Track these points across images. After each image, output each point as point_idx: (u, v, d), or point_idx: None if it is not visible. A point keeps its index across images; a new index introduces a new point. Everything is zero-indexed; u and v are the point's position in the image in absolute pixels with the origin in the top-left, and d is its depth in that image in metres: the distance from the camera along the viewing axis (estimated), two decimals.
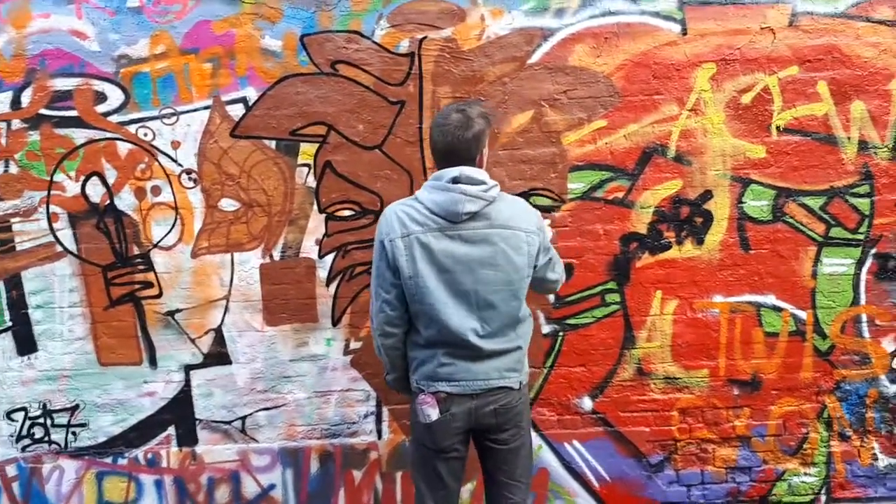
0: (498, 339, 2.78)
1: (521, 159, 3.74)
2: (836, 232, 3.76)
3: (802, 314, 3.81)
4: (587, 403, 3.90)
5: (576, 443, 3.91)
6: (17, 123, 3.72)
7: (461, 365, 2.77)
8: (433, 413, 2.78)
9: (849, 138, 3.71)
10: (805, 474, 3.90)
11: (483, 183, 2.73)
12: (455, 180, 2.70)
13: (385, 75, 3.72)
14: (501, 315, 2.76)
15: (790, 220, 3.76)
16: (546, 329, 3.85)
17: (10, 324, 3.82)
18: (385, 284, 2.80)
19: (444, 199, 2.70)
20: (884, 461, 3.88)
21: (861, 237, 3.76)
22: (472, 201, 2.69)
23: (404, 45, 3.71)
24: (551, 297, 3.81)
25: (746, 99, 3.70)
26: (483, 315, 2.74)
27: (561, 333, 3.85)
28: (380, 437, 3.90)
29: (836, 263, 3.78)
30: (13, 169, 3.74)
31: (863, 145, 3.71)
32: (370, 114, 3.74)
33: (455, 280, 2.71)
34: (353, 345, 3.85)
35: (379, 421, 3.89)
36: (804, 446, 3.89)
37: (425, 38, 3.70)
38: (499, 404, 2.82)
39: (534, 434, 3.82)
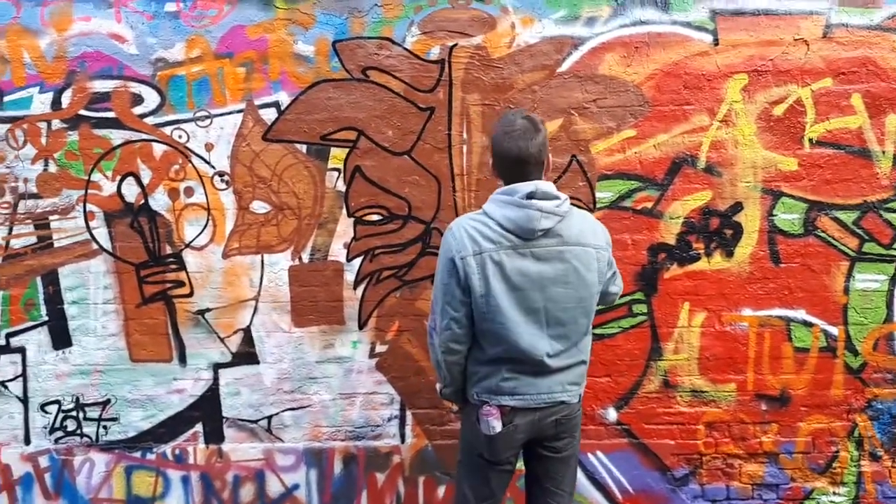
0: (564, 355, 2.85)
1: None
2: (869, 247, 3.87)
3: (834, 330, 3.93)
4: (612, 414, 4.07)
5: (600, 454, 4.08)
6: (57, 123, 4.00)
7: (525, 380, 2.84)
8: (497, 425, 2.85)
9: (883, 152, 3.83)
10: (834, 493, 4.02)
11: (557, 198, 2.77)
12: (530, 196, 2.73)
13: (415, 82, 3.93)
14: (570, 332, 2.83)
15: (822, 235, 3.88)
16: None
17: (46, 318, 4.09)
18: (454, 302, 2.83)
19: (518, 216, 2.73)
20: None
21: (895, 253, 3.91)
22: (547, 217, 2.73)
23: (435, 52, 3.92)
24: None
25: (778, 111, 3.84)
26: (552, 332, 2.80)
27: None
28: (403, 440, 4.10)
29: (870, 279, 3.90)
30: (52, 168, 4.02)
31: None
32: (400, 120, 3.95)
33: (526, 297, 2.77)
34: (379, 348, 4.07)
35: (403, 425, 4.10)
36: (833, 465, 4.00)
37: (456, 45, 3.89)
38: (560, 415, 2.91)
39: None
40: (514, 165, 2.81)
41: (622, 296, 3.95)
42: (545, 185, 2.78)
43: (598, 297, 2.93)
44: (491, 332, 2.82)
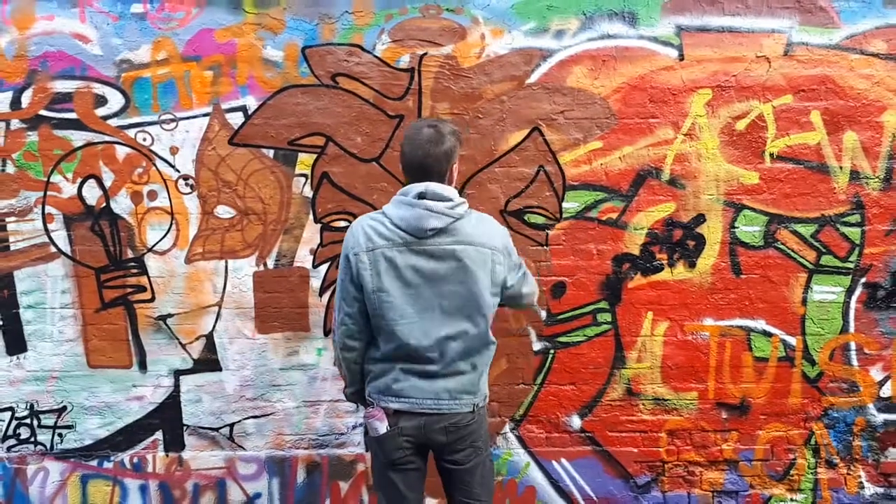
0: (456, 359, 2.94)
1: (516, 177, 4.07)
2: (826, 260, 4.10)
3: (792, 340, 4.15)
4: (576, 422, 4.23)
5: (564, 461, 4.24)
6: (16, 123, 4.04)
7: (413, 381, 2.94)
8: (381, 427, 2.96)
9: (841, 168, 4.06)
10: (791, 500, 4.23)
11: (449, 200, 2.90)
12: (421, 196, 2.88)
13: (385, 89, 4.07)
14: (463, 333, 2.93)
15: (782, 247, 4.10)
16: (537, 346, 4.17)
17: (0, 323, 4.14)
18: (348, 298, 2.98)
19: (409, 215, 2.87)
20: (870, 490, 4.21)
21: (851, 266, 4.10)
22: (437, 217, 2.86)
23: (405, 61, 4.06)
24: (543, 314, 4.15)
25: (741, 125, 4.05)
26: (445, 331, 2.90)
27: (552, 351, 4.17)
28: (367, 448, 4.18)
29: (826, 291, 4.13)
30: (10, 168, 4.06)
31: (854, 175, 4.05)
32: (369, 127, 4.07)
33: (420, 295, 2.89)
34: None
35: (367, 433, 4.26)
36: (791, 472, 4.22)
37: (426, 54, 4.04)
38: (449, 422, 2.97)
39: (522, 451, 4.21)
40: (411, 172, 2.99)
41: (587, 304, 4.16)
42: (437, 187, 2.91)
43: (495, 299, 3.02)
44: (382, 329, 2.95)
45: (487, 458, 3.17)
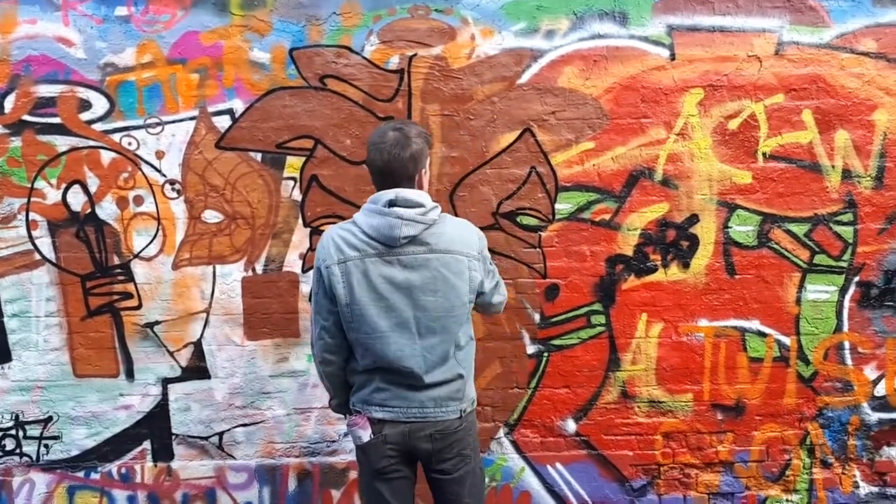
0: (438, 369, 2.97)
1: (508, 178, 4.20)
2: (820, 259, 4.26)
3: (786, 340, 4.30)
4: (571, 426, 4.36)
5: (559, 465, 4.37)
6: None
7: (396, 391, 2.97)
8: (364, 435, 3.00)
9: (833, 166, 4.22)
10: (787, 501, 4.37)
11: (421, 206, 2.88)
12: (391, 203, 2.86)
13: (374, 91, 4.18)
14: (443, 342, 2.96)
15: (775, 246, 4.25)
16: (531, 350, 4.30)
17: None
18: (323, 311, 2.99)
19: (380, 224, 2.86)
20: (865, 489, 4.37)
21: (844, 265, 4.26)
22: (409, 225, 2.85)
23: (394, 62, 4.17)
24: (536, 317, 4.27)
25: (733, 125, 4.20)
26: (424, 343, 2.93)
27: (545, 354, 4.30)
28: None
29: (820, 290, 4.28)
30: None
31: (846, 174, 4.21)
32: (358, 129, 4.19)
33: (394, 307, 2.90)
34: None
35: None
36: (786, 473, 4.37)
37: (415, 55, 4.16)
38: (435, 430, 3.00)
39: (516, 456, 4.34)
40: (379, 178, 2.98)
41: (580, 306, 4.29)
42: (408, 193, 2.90)
43: (470, 305, 3.06)
44: (358, 343, 2.96)
45: (477, 467, 3.18)
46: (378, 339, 2.91)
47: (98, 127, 4.20)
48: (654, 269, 4.30)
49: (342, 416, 4.11)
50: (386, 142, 2.94)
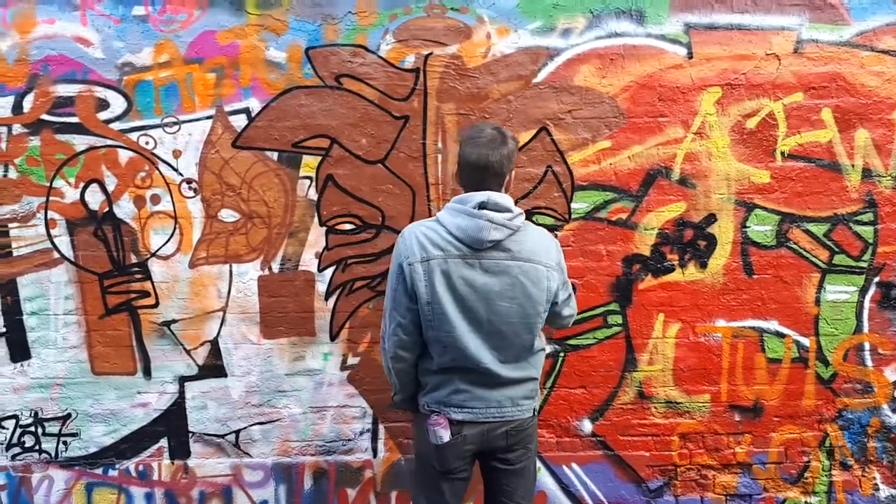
0: (514, 366, 3.05)
1: (524, 177, 4.21)
2: (839, 259, 4.24)
3: (805, 341, 4.29)
4: (587, 426, 4.39)
5: (574, 466, 4.39)
6: (17, 128, 4.19)
7: (475, 392, 3.03)
8: (445, 435, 3.04)
9: (853, 166, 4.21)
10: (806, 503, 4.41)
11: (509, 210, 2.95)
12: (482, 206, 2.92)
13: (389, 90, 4.21)
14: (514, 347, 3.03)
15: (794, 246, 4.25)
16: (547, 349, 4.29)
17: (3, 330, 4.28)
18: (400, 308, 3.03)
19: (468, 225, 2.92)
20: (885, 491, 4.36)
21: (864, 265, 4.24)
22: (497, 229, 2.91)
23: (409, 61, 4.20)
24: None
25: (751, 124, 4.20)
26: (493, 344, 2.99)
27: (562, 354, 4.32)
28: (375, 455, 4.37)
29: (840, 291, 4.27)
30: (12, 174, 4.21)
31: (867, 173, 4.20)
32: (374, 128, 4.22)
33: (470, 309, 2.96)
34: (351, 360, 4.32)
35: (375, 439, 4.36)
36: (805, 475, 4.37)
37: (431, 54, 4.19)
38: (511, 427, 3.10)
39: None
40: (473, 172, 3.02)
41: (597, 306, 4.30)
42: (498, 197, 2.96)
43: (544, 315, 3.11)
44: (437, 341, 3.01)
45: (534, 462, 3.30)
46: (458, 338, 2.97)
47: (116, 126, 4.25)
48: (671, 269, 4.30)
49: (360, 411, 4.32)
50: (483, 136, 3.01)
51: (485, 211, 2.92)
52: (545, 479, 4.41)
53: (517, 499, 3.23)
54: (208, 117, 4.26)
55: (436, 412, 3.09)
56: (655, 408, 4.37)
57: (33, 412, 4.36)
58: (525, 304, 3.00)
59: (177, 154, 4.27)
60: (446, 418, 3.06)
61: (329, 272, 4.31)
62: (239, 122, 4.26)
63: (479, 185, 3.01)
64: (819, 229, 4.26)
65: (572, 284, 4.19)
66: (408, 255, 3.00)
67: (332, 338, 4.34)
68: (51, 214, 4.27)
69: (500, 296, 2.97)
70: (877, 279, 4.29)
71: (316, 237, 4.30)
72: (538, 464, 4.34)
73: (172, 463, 4.39)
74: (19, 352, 4.34)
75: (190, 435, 4.39)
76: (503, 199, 2.98)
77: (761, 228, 4.27)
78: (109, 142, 4.25)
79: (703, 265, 4.30)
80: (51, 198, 4.27)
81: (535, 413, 3.22)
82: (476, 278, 2.96)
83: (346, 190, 4.28)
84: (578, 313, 4.23)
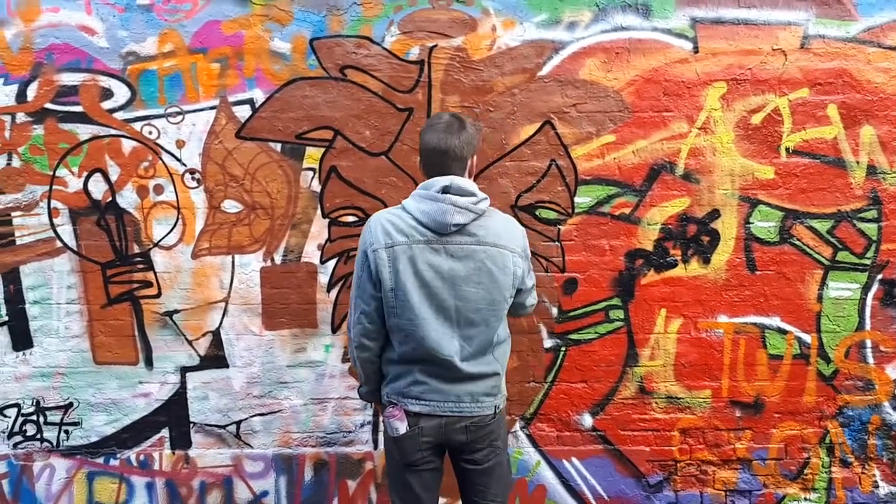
0: (476, 360, 3.04)
1: (528, 171, 4.22)
2: (842, 256, 4.24)
3: (807, 337, 4.30)
4: (587, 420, 4.40)
5: (575, 460, 4.41)
6: (21, 117, 4.20)
7: (434, 384, 3.03)
8: (401, 427, 3.05)
9: (857, 162, 4.21)
10: (805, 500, 4.39)
11: (473, 195, 2.96)
12: (445, 190, 2.94)
13: (394, 82, 4.21)
14: (481, 334, 3.02)
15: (797, 243, 4.25)
16: (548, 343, 4.33)
17: (6, 318, 4.30)
18: (364, 296, 3.05)
19: (432, 209, 2.94)
20: (885, 489, 4.37)
21: (868, 262, 4.25)
22: (461, 213, 2.92)
23: (414, 53, 4.20)
24: (554, 311, 4.30)
25: (756, 119, 4.20)
26: (463, 333, 3.00)
27: (563, 348, 4.33)
28: (376, 446, 4.37)
29: (842, 288, 4.27)
30: (16, 162, 4.22)
31: (871, 170, 4.20)
32: (377, 120, 4.23)
33: (436, 295, 2.96)
34: None
35: (375, 431, 4.37)
36: (805, 471, 4.38)
37: (435, 46, 4.18)
38: (470, 422, 3.08)
39: (532, 450, 4.36)
40: (432, 156, 3.03)
41: (599, 300, 4.31)
42: (461, 181, 2.97)
43: (510, 301, 3.11)
44: (399, 329, 3.01)
45: (505, 460, 3.28)
46: (420, 325, 2.97)
47: (119, 116, 4.25)
48: (673, 265, 4.31)
49: (363, 403, 4.31)
50: (441, 122, 3.06)
51: (448, 195, 2.94)
52: (545, 472, 4.42)
53: (490, 497, 3.21)
54: (212, 108, 4.26)
55: (393, 404, 3.10)
56: (656, 403, 4.39)
57: (35, 401, 4.38)
58: (491, 289, 3.01)
59: (180, 144, 4.27)
60: (403, 410, 3.06)
61: (331, 264, 4.32)
62: (243, 112, 4.26)
63: (441, 170, 3.02)
64: (823, 226, 4.27)
65: (573, 279, 4.28)
66: (372, 242, 3.00)
67: (334, 330, 4.35)
68: (54, 203, 4.28)
69: (467, 280, 2.97)
70: (880, 276, 4.29)
71: (319, 229, 4.31)
72: (538, 458, 4.39)
73: (173, 453, 4.41)
74: (21, 341, 4.35)
75: (191, 425, 4.40)
76: (466, 183, 3.00)
77: (765, 224, 4.27)
78: (113, 131, 4.26)
79: (706, 261, 4.30)
80: (54, 187, 4.28)
81: (498, 411, 3.18)
82: (441, 263, 2.96)
83: (350, 182, 4.28)
84: (581, 307, 4.31)
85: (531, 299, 3.32)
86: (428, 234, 2.96)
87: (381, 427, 4.27)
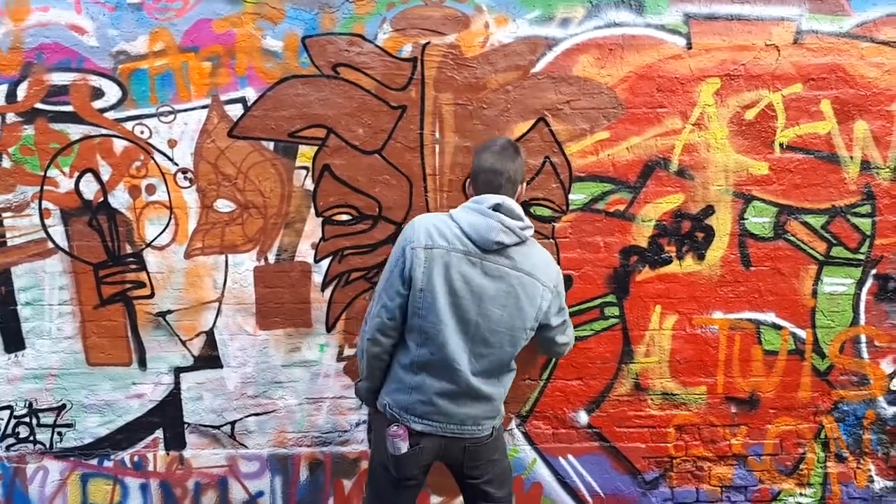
0: (484, 379, 3.11)
1: None
2: (836, 251, 4.25)
3: (802, 333, 4.31)
4: (583, 417, 4.39)
5: (570, 457, 4.41)
6: (11, 117, 4.16)
7: (439, 405, 3.08)
8: (403, 446, 3.09)
9: (851, 158, 4.21)
10: (801, 495, 4.41)
11: (521, 219, 3.08)
12: (496, 208, 3.03)
13: (387, 80, 4.20)
14: (493, 356, 3.08)
15: (791, 238, 4.25)
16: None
17: None
18: (390, 291, 3.10)
19: (479, 223, 3.01)
20: (880, 483, 4.39)
21: (862, 257, 4.25)
22: (506, 233, 3.01)
23: (407, 50, 4.18)
24: None
25: (750, 115, 4.19)
26: (475, 350, 3.05)
27: None
28: (371, 446, 4.39)
29: (837, 283, 4.28)
30: (6, 163, 4.18)
31: (865, 165, 4.20)
32: (371, 118, 4.21)
33: (461, 306, 3.01)
34: (347, 351, 4.31)
35: (371, 430, 4.35)
36: (800, 467, 4.39)
37: (428, 43, 4.17)
38: (469, 442, 3.17)
39: (528, 448, 4.36)
40: (488, 175, 3.13)
41: (594, 297, 4.30)
42: (512, 203, 3.07)
43: (530, 334, 3.18)
44: (422, 331, 3.05)
45: (505, 464, 3.38)
46: (442, 330, 3.02)
47: (110, 115, 4.22)
48: (668, 261, 4.31)
49: (358, 402, 4.29)
50: (497, 145, 3.19)
51: (498, 213, 3.01)
52: (541, 470, 4.42)
53: (492, 497, 3.32)
54: (204, 106, 4.23)
55: (396, 422, 3.13)
56: (652, 399, 4.39)
57: (28, 403, 4.36)
58: (514, 315, 3.06)
59: (172, 144, 4.25)
60: (406, 428, 3.10)
61: (325, 263, 4.30)
62: (235, 111, 4.24)
63: (493, 189, 3.12)
64: (817, 221, 4.27)
65: (568, 276, 4.27)
66: (412, 241, 3.06)
67: (329, 329, 4.34)
68: (45, 204, 4.25)
69: (493, 300, 3.02)
70: (874, 271, 4.30)
71: (312, 228, 4.29)
72: (534, 455, 4.39)
73: (168, 454, 4.39)
74: (13, 342, 4.32)
75: (185, 426, 4.38)
76: (516, 206, 3.09)
77: (759, 220, 4.28)
78: (104, 131, 4.23)
79: (701, 257, 4.31)
80: (45, 187, 4.25)
81: (495, 431, 3.27)
82: (474, 277, 3.01)
83: (343, 180, 4.27)
84: (576, 304, 4.31)
85: (563, 338, 3.40)
86: (470, 246, 3.02)
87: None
